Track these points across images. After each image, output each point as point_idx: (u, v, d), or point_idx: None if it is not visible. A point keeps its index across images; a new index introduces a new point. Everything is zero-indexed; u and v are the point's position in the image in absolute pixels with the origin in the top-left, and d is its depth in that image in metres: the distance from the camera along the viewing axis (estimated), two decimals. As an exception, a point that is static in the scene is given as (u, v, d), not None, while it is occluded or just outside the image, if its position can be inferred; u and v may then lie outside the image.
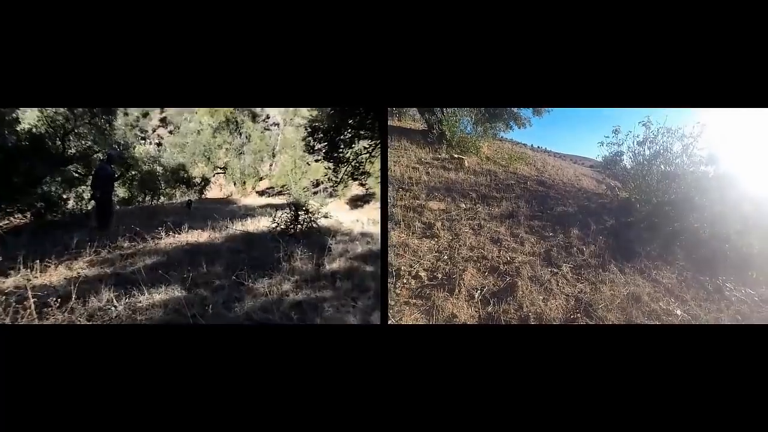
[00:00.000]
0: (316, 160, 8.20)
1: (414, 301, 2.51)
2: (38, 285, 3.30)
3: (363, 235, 6.15)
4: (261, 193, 12.86)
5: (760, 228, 3.79)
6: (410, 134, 5.93)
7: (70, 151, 6.51)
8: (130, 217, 6.83)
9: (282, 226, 5.86)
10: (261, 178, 12.90)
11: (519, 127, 7.31)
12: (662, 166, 5.05)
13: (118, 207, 6.88)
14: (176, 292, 3.31)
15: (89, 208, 6.41)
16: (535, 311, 2.67)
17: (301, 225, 5.89)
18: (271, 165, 13.10)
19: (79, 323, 2.64)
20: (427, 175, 4.75)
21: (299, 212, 6.01)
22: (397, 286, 2.62)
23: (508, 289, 2.86)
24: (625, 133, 5.39)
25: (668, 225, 4.28)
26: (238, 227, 6.28)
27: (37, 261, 3.70)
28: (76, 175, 6.83)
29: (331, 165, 5.42)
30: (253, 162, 12.51)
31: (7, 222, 5.70)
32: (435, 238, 3.38)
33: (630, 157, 5.52)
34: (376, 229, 6.99)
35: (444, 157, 5.50)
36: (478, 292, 2.76)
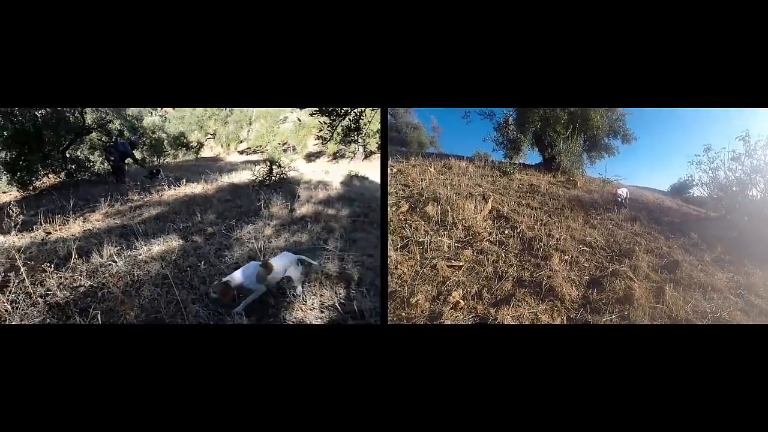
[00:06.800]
0: (311, 115, 10.15)
1: (616, 265, 3.28)
2: (54, 239, 3.77)
3: (320, 182, 7.86)
4: (241, 152, 16.39)
5: None
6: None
7: (87, 122, 7.95)
8: (141, 174, 8.39)
9: (260, 178, 7.34)
10: (241, 141, 16.92)
11: (608, 156, 8.07)
12: (761, 183, 5.45)
13: (134, 165, 8.49)
14: (174, 242, 3.78)
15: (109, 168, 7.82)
16: (701, 282, 3.35)
17: (275, 177, 7.45)
18: (248, 131, 16.79)
19: (77, 323, 2.63)
20: (560, 191, 5.74)
21: (273, 166, 7.63)
22: (595, 253, 3.41)
23: (672, 265, 3.58)
24: (717, 150, 5.48)
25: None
26: (226, 179, 7.78)
27: (58, 215, 4.38)
28: (100, 142, 8.65)
29: (326, 120, 5.47)
30: (235, 129, 16.53)
31: (42, 182, 7.05)
32: (595, 228, 4.17)
33: (710, 175, 5.71)
34: (329, 178, 8.84)
35: (560, 180, 6.55)
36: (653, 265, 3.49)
